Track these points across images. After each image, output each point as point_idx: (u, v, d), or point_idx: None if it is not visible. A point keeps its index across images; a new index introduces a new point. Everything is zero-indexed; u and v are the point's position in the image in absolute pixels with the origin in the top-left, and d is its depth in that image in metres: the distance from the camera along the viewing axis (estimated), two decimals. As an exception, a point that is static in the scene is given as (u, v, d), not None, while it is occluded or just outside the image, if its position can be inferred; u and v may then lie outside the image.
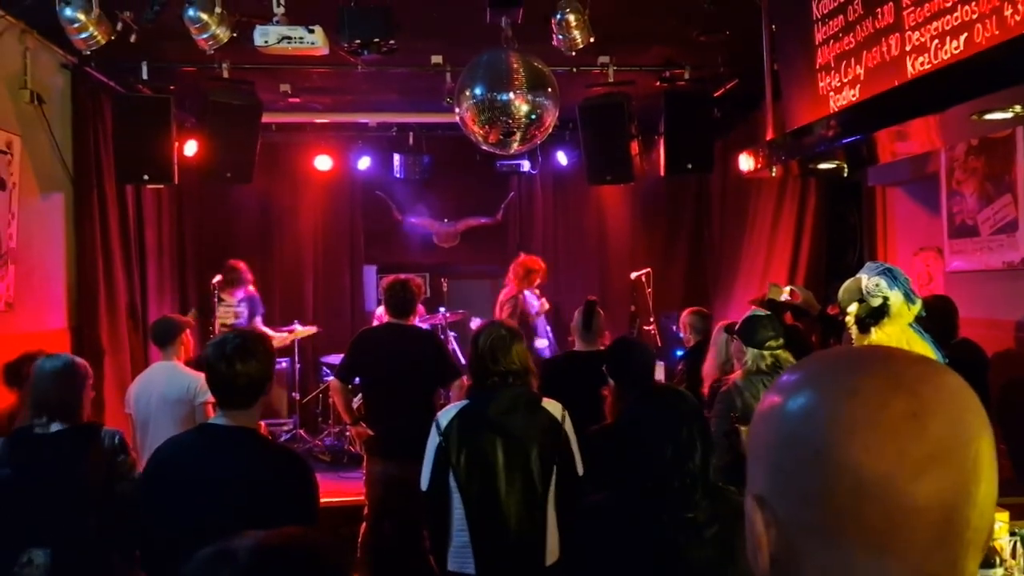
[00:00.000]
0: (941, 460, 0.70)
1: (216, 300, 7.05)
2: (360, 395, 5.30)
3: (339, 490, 6.20)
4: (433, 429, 3.17)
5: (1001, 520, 2.93)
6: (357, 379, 4.99)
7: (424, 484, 3.16)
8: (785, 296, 4.87)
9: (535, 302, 7.53)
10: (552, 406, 3.22)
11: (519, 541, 3.08)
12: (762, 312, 3.85)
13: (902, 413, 0.71)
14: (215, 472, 2.39)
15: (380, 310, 7.36)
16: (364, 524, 4.77)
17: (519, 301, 7.35)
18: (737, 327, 3.80)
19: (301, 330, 7.77)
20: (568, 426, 3.21)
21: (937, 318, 4.24)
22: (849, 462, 0.71)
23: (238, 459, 2.43)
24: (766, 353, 3.60)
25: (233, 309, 7.24)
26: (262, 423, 5.87)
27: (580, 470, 3.22)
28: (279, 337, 7.40)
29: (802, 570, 0.74)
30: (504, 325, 3.39)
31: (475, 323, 7.60)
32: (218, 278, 7.15)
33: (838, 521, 0.71)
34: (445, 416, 3.18)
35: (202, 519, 2.25)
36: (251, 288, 7.45)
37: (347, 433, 6.73)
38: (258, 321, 7.43)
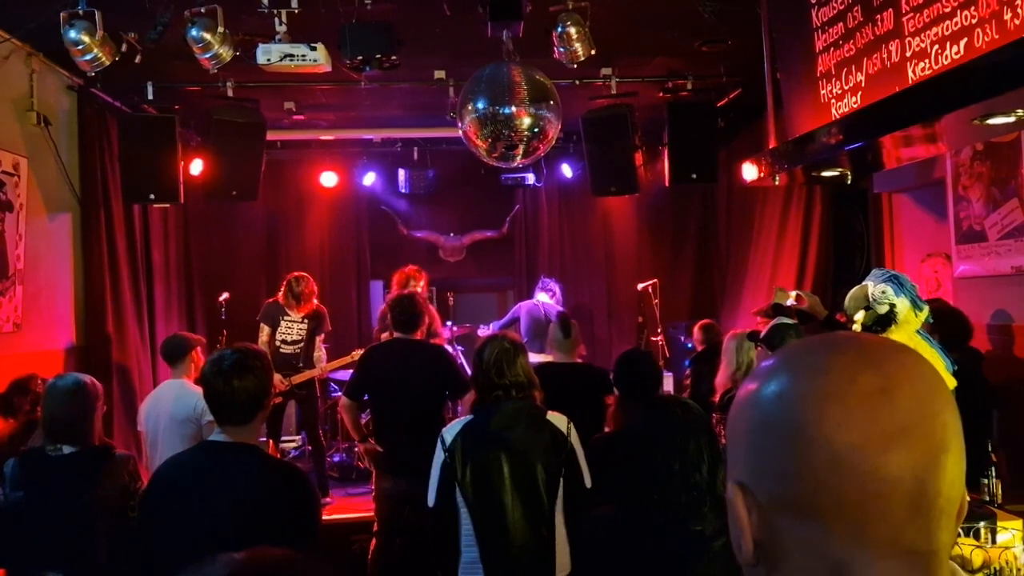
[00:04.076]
0: (910, 432, 0.73)
1: (280, 318, 6.44)
2: (368, 411, 5.28)
3: (349, 507, 6.20)
4: (438, 445, 3.15)
5: (1014, 528, 2.90)
6: (366, 396, 4.98)
7: (431, 500, 3.14)
8: (791, 301, 4.85)
9: None
10: (557, 419, 3.20)
11: (527, 555, 3.05)
12: (789, 320, 3.82)
13: (871, 388, 0.74)
14: (214, 489, 2.37)
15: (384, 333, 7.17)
16: (374, 541, 4.75)
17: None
18: (763, 335, 3.77)
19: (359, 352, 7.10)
20: (574, 439, 3.18)
21: (946, 321, 4.21)
22: (822, 437, 0.73)
23: (237, 476, 2.40)
24: None
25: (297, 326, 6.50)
26: (271, 441, 5.91)
27: (588, 483, 3.19)
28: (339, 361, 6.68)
29: (783, 550, 0.76)
30: (508, 338, 3.36)
31: (483, 330, 7.60)
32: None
33: (815, 497, 0.73)
34: (450, 432, 3.16)
35: (201, 536, 2.24)
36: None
37: (356, 450, 6.70)
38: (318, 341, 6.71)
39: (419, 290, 7.01)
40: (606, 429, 4.62)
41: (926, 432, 0.73)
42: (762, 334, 3.79)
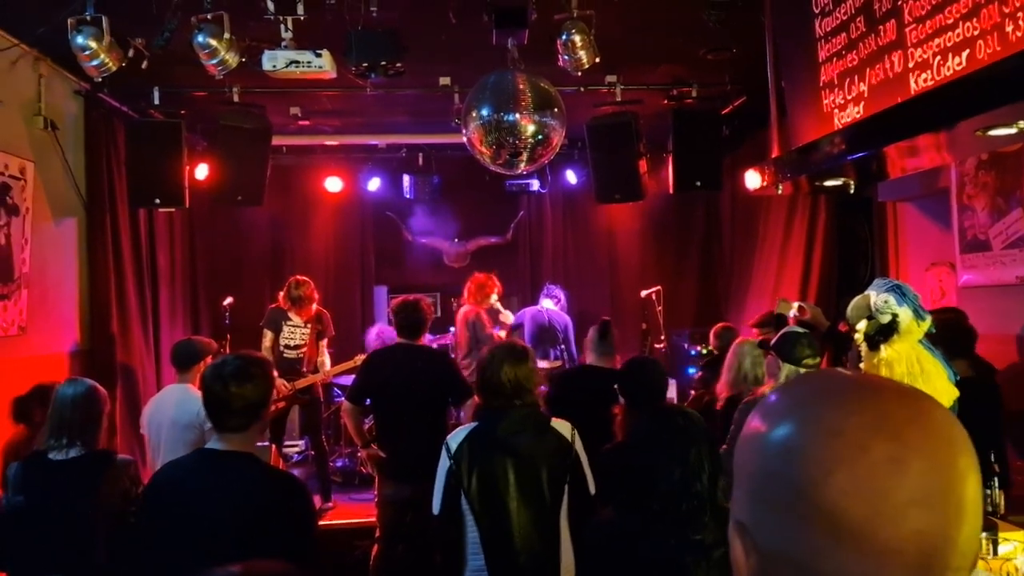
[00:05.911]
0: (921, 505, 0.69)
1: (283, 323, 6.44)
2: (371, 416, 5.29)
3: (351, 512, 6.20)
4: (443, 452, 3.15)
5: (1017, 540, 2.89)
6: (368, 400, 4.98)
7: (436, 507, 3.13)
8: (793, 312, 4.86)
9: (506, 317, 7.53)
10: (562, 426, 3.20)
11: (533, 562, 3.05)
12: (800, 329, 3.81)
13: (883, 458, 0.70)
14: (209, 497, 2.36)
15: (373, 333, 7.23)
16: (376, 546, 4.76)
17: (478, 318, 7.32)
18: (773, 343, 3.77)
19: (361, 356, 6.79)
20: (578, 445, 3.18)
21: (949, 328, 4.20)
22: (827, 504, 0.70)
23: (233, 484, 2.39)
24: (802, 370, 3.55)
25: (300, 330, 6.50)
26: (273, 446, 5.91)
27: (592, 489, 3.20)
28: (342, 365, 6.70)
29: None
30: (515, 344, 3.38)
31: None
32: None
33: (815, 559, 0.71)
34: (455, 439, 3.16)
35: (194, 544, 2.24)
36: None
37: (359, 455, 6.70)
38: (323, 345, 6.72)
39: (495, 298, 7.15)
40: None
41: (940, 506, 0.69)
42: (772, 342, 3.79)
